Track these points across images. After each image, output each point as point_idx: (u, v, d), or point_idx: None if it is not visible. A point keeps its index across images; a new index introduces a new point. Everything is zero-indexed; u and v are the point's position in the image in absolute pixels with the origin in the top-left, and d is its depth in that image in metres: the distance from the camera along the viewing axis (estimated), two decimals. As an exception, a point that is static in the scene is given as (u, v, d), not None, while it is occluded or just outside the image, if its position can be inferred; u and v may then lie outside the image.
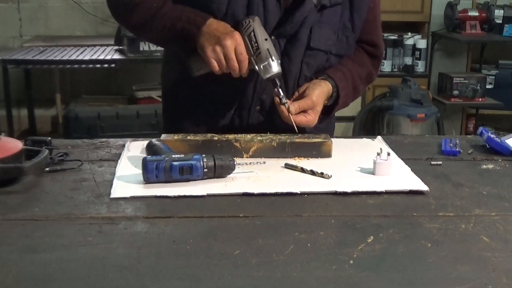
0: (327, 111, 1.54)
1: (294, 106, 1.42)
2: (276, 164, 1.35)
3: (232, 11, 1.42)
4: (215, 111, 1.55)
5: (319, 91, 1.47)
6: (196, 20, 1.39)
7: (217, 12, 1.42)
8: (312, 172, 1.29)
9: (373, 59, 1.65)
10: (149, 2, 1.43)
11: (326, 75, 1.52)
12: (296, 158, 1.39)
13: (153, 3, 1.43)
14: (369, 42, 1.62)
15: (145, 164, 1.20)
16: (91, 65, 3.81)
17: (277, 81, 1.42)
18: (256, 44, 1.38)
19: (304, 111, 1.44)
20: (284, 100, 1.42)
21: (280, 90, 1.42)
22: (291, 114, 1.41)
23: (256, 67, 1.39)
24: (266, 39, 1.39)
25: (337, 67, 1.55)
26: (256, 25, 1.39)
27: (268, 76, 1.40)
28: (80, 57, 3.82)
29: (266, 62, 1.38)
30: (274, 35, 1.46)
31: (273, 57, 1.39)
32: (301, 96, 1.47)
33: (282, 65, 1.45)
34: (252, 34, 1.38)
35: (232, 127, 1.55)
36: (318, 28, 1.48)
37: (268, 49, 1.38)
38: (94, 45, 4.14)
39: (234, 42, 1.35)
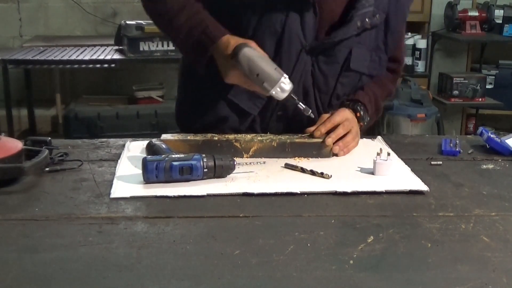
0: None
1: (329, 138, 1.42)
2: (276, 164, 1.35)
3: (269, 17, 1.41)
4: (239, 110, 1.52)
5: (342, 113, 1.48)
6: (212, 34, 1.38)
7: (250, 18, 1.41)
8: (312, 172, 1.29)
9: (393, 74, 1.65)
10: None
11: (355, 100, 1.53)
12: (296, 158, 1.39)
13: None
14: (393, 58, 1.61)
15: (145, 164, 1.20)
16: (91, 65, 3.80)
17: (294, 97, 1.35)
18: (256, 76, 1.32)
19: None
20: (307, 113, 1.38)
21: (300, 104, 1.37)
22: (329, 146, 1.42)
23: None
24: (257, 75, 1.31)
25: (365, 91, 1.56)
26: (244, 61, 1.31)
27: (279, 98, 1.34)
28: (80, 57, 3.81)
29: (271, 91, 1.33)
30: (309, 49, 1.45)
31: (269, 87, 1.32)
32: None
33: (317, 82, 1.48)
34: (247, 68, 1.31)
35: (252, 127, 1.53)
36: (357, 49, 1.48)
37: (264, 83, 1.31)
38: (94, 45, 4.13)
39: (236, 80, 1.37)
